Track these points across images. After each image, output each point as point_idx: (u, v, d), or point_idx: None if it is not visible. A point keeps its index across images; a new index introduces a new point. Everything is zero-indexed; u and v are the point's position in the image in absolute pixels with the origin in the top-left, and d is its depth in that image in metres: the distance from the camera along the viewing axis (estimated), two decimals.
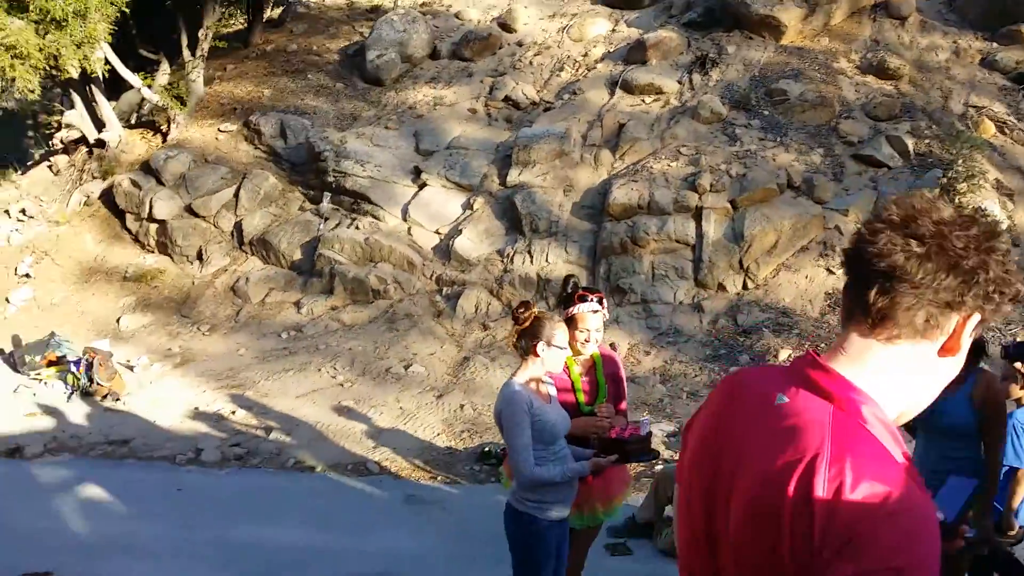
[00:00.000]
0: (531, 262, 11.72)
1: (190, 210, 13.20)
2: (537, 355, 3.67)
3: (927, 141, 12.14)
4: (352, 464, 7.83)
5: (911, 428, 4.45)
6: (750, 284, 10.98)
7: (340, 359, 10.12)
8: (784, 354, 9.69)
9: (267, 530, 6.41)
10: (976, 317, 1.41)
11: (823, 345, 9.80)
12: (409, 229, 12.65)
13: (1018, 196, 11.24)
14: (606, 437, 3.89)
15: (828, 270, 10.81)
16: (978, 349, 4.30)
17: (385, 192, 13.04)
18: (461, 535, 6.47)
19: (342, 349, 10.38)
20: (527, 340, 3.67)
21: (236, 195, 13.34)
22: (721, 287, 11.01)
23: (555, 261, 11.66)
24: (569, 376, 4.11)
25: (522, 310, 3.73)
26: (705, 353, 9.98)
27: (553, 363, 3.74)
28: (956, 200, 11.04)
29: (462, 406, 9.07)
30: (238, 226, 13.06)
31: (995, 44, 13.81)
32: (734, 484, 1.42)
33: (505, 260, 11.84)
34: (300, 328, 11.17)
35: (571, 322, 4.07)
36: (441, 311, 11.36)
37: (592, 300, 4.09)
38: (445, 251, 12.20)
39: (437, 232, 12.61)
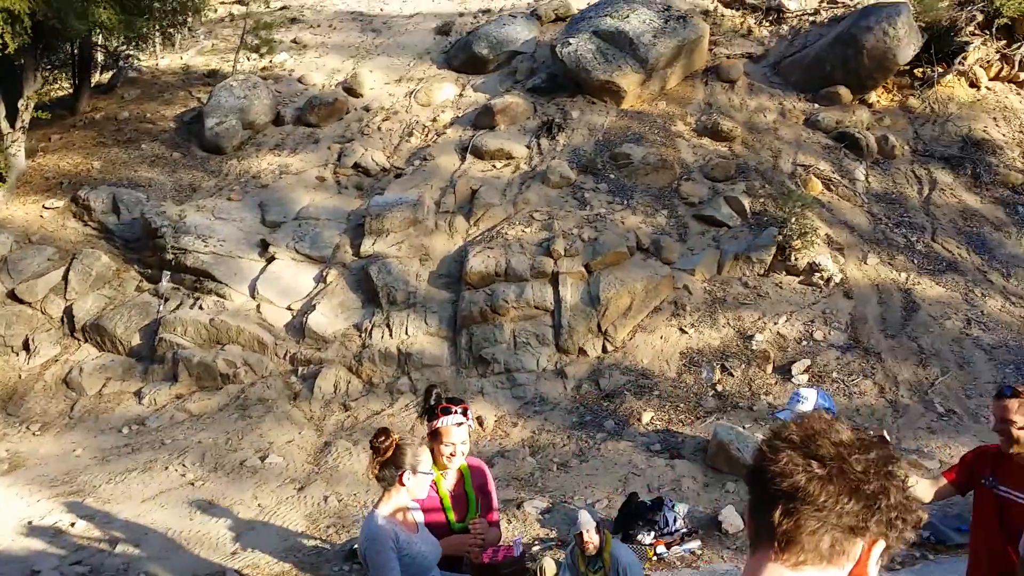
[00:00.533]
0: (390, 335, 11.44)
1: (13, 296, 12.06)
2: (402, 484, 3.48)
3: (762, 200, 12.85)
4: (210, 575, 7.21)
5: None
6: (609, 347, 11.15)
7: (189, 454, 9.40)
8: (647, 416, 9.85)
9: None
10: (881, 544, 1.39)
11: (681, 406, 10.05)
12: (258, 307, 12.09)
13: (847, 249, 12.04)
14: (479, 563, 3.72)
15: (681, 329, 11.14)
16: None
17: (230, 268, 12.43)
18: None
19: (190, 442, 9.67)
20: (390, 470, 3.48)
21: (65, 277, 12.33)
22: (582, 351, 11.12)
23: (415, 333, 11.43)
24: (437, 493, 3.92)
25: (382, 439, 3.54)
26: (572, 420, 9.99)
27: (419, 490, 3.58)
28: (792, 257, 11.73)
29: (326, 498, 8.60)
30: (68, 311, 12.05)
31: (816, 105, 14.91)
32: None
33: (363, 335, 11.50)
34: (143, 421, 10.34)
35: (435, 435, 3.91)
36: (297, 393, 10.85)
37: (456, 412, 3.94)
38: (298, 328, 11.71)
39: (289, 308, 12.11)
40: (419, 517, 3.70)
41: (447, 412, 3.90)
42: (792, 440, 1.41)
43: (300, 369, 11.25)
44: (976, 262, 11.86)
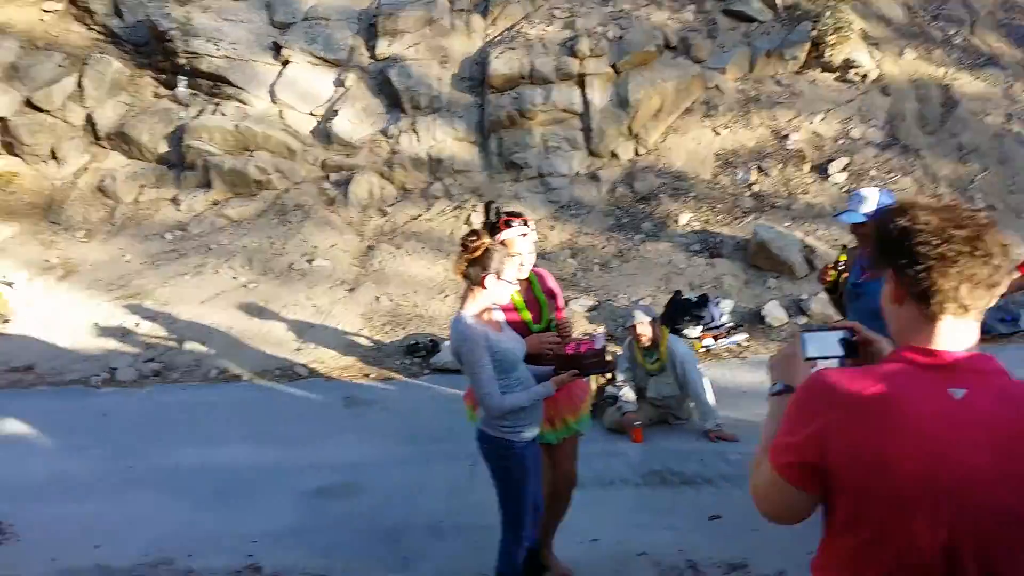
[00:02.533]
0: (418, 141, 11.29)
1: (30, 104, 11.73)
2: (485, 287, 3.56)
3: None
4: (279, 369, 7.54)
5: (843, 309, 4.65)
6: (641, 150, 11.06)
7: (236, 258, 9.55)
8: (684, 217, 9.93)
9: (208, 450, 6.13)
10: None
11: (718, 206, 10.11)
12: (281, 112, 11.82)
13: (883, 44, 11.68)
14: (563, 354, 3.89)
15: (714, 130, 11.01)
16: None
17: (246, 73, 12.04)
18: (410, 435, 6.43)
19: (236, 247, 9.79)
20: (476, 271, 3.54)
21: (79, 84, 11.94)
22: (614, 155, 11.04)
23: (443, 139, 11.28)
24: (512, 301, 4.04)
25: (473, 239, 3.58)
26: (608, 223, 10.09)
27: (501, 296, 3.67)
28: (826, 53, 11.39)
29: (377, 298, 8.84)
30: (89, 119, 11.76)
31: None
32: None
33: (391, 140, 11.35)
34: (184, 227, 10.41)
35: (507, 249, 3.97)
36: (333, 199, 10.86)
37: (518, 223, 3.98)
38: (325, 134, 11.53)
39: (312, 114, 11.85)
40: (500, 316, 3.83)
41: (510, 224, 3.95)
42: (934, 209, 1.62)
43: (332, 175, 11.19)
44: (1017, 56, 11.55)
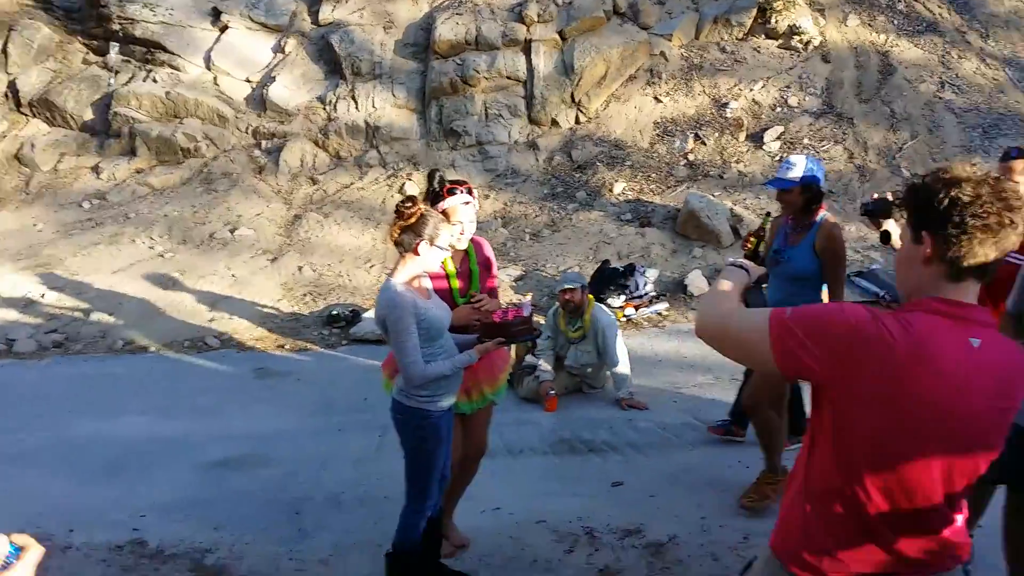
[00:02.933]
0: (356, 108, 11.05)
1: None
2: (418, 253, 3.47)
3: None
4: (190, 340, 7.32)
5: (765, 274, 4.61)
6: (582, 118, 10.91)
7: (156, 227, 9.28)
8: (619, 186, 9.82)
9: (104, 423, 5.91)
10: None
11: (653, 175, 10.01)
12: (215, 79, 11.52)
13: (828, 11, 11.60)
14: (489, 322, 3.80)
15: (656, 98, 10.88)
16: (819, 197, 4.44)
17: (182, 38, 11.70)
18: (324, 406, 6.28)
19: (156, 216, 9.51)
20: (409, 236, 3.46)
21: (4, 50, 11.54)
22: (555, 122, 10.88)
23: (382, 105, 11.05)
24: (443, 269, 3.94)
25: (408, 205, 3.52)
26: (544, 192, 9.95)
27: (432, 263, 3.61)
28: (772, 18, 11.29)
29: (300, 268, 8.63)
30: (12, 86, 11.38)
31: None
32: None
33: (328, 107, 11.10)
34: (103, 196, 10.09)
35: (443, 216, 3.87)
36: (263, 167, 10.60)
37: (462, 191, 3.90)
38: (259, 101, 11.25)
39: (248, 80, 11.57)
40: (428, 284, 3.74)
41: (453, 192, 3.89)
42: (978, 182, 1.77)
43: (264, 143, 10.93)
44: (956, 22, 11.52)
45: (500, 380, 4.27)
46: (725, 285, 2.13)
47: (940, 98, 10.47)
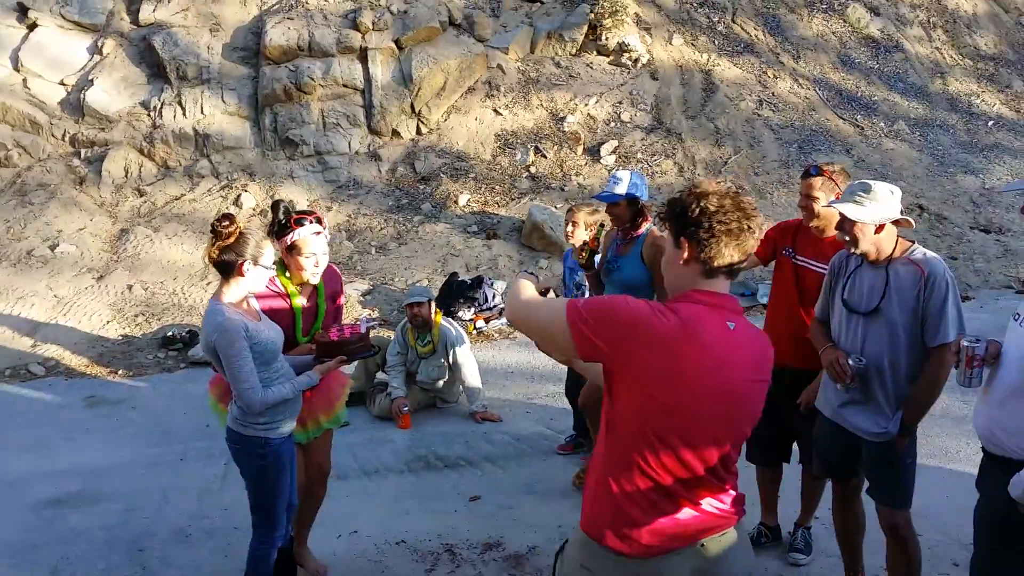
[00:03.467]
0: (184, 115, 10.54)
1: None
2: (243, 274, 3.31)
3: None
4: (11, 368, 6.72)
5: (602, 284, 4.81)
6: (424, 129, 10.92)
7: None
8: (463, 198, 9.90)
9: None
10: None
11: (497, 187, 10.17)
12: (25, 80, 10.65)
13: (655, 29, 12.20)
14: (325, 341, 3.68)
15: (495, 111, 11.05)
16: (642, 211, 4.66)
17: None
18: (163, 435, 5.95)
19: None
20: (231, 257, 3.28)
21: None
22: (396, 133, 10.83)
23: (212, 112, 10.60)
24: (291, 307, 3.78)
25: (226, 223, 3.28)
26: (388, 204, 9.87)
27: (258, 283, 3.41)
28: (603, 36, 11.75)
29: (130, 287, 8.12)
30: None
31: None
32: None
33: (152, 113, 10.52)
34: None
35: (292, 249, 3.68)
36: (83, 178, 9.90)
37: (311, 221, 3.71)
38: (76, 106, 10.50)
39: (62, 83, 10.77)
40: (256, 305, 3.57)
41: (301, 223, 3.65)
42: (722, 195, 2.11)
43: (83, 151, 10.21)
44: (770, 43, 12.43)
45: (337, 408, 4.11)
46: (524, 286, 2.36)
47: (759, 115, 11.26)
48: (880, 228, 3.24)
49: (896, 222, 3.27)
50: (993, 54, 13.11)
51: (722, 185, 2.17)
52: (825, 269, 3.73)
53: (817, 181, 3.88)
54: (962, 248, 9.54)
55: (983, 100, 12.39)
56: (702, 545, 2.15)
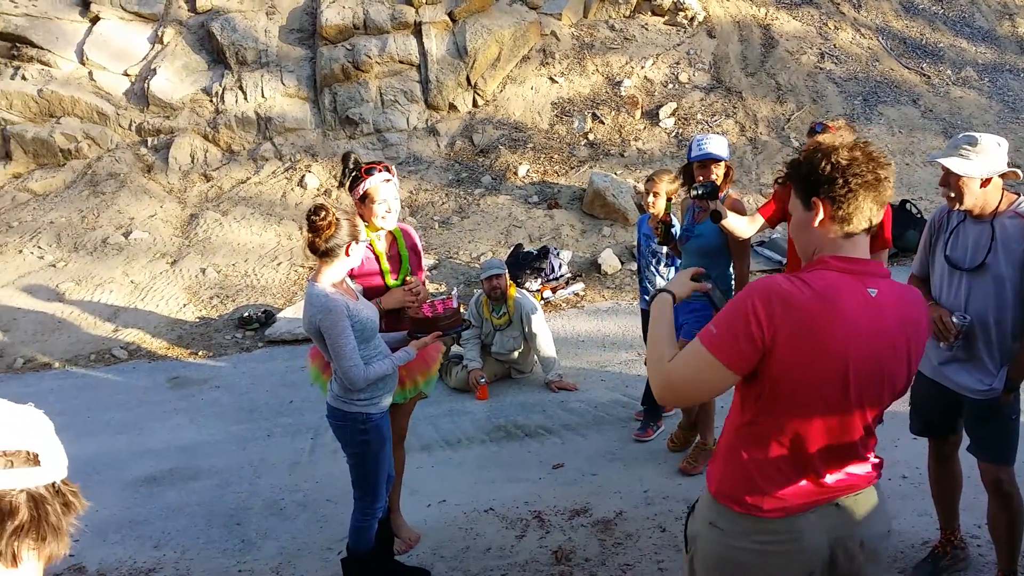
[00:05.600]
0: (245, 99, 10.68)
1: None
2: (348, 255, 3.44)
3: None
4: (95, 353, 6.95)
5: (678, 250, 4.81)
6: (480, 101, 10.89)
7: (43, 235, 8.74)
8: (523, 169, 9.88)
9: None
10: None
11: (555, 156, 10.12)
12: (91, 73, 10.90)
13: None
14: (419, 316, 3.78)
15: (551, 79, 10.96)
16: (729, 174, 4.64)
17: (50, 31, 11.01)
18: (248, 412, 6.11)
19: (41, 223, 8.95)
20: (335, 243, 3.40)
21: None
22: (452, 107, 10.82)
23: (272, 95, 10.73)
24: (374, 253, 3.88)
25: (323, 215, 3.41)
26: (448, 178, 9.90)
27: (358, 259, 3.57)
28: None
29: (203, 270, 8.31)
30: None
31: None
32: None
33: (215, 99, 10.68)
34: None
35: (365, 198, 3.84)
36: (151, 165, 10.12)
37: (381, 170, 3.84)
38: (141, 95, 10.72)
39: (126, 74, 10.99)
40: (354, 286, 3.72)
41: (371, 172, 3.81)
42: (850, 147, 2.03)
43: (150, 140, 10.43)
44: None
45: (432, 371, 4.27)
46: (659, 326, 2.22)
47: (821, 68, 10.97)
48: (987, 182, 3.11)
49: (1004, 175, 3.14)
50: None
51: (839, 137, 2.16)
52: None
53: (826, 138, 3.83)
54: None
55: None
56: (837, 505, 2.12)
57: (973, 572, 3.69)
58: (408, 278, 4.00)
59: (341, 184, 3.86)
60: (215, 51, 10.96)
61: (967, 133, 3.22)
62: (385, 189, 3.83)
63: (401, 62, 10.81)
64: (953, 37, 11.77)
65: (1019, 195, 3.22)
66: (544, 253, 8.14)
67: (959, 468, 3.66)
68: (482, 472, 5.12)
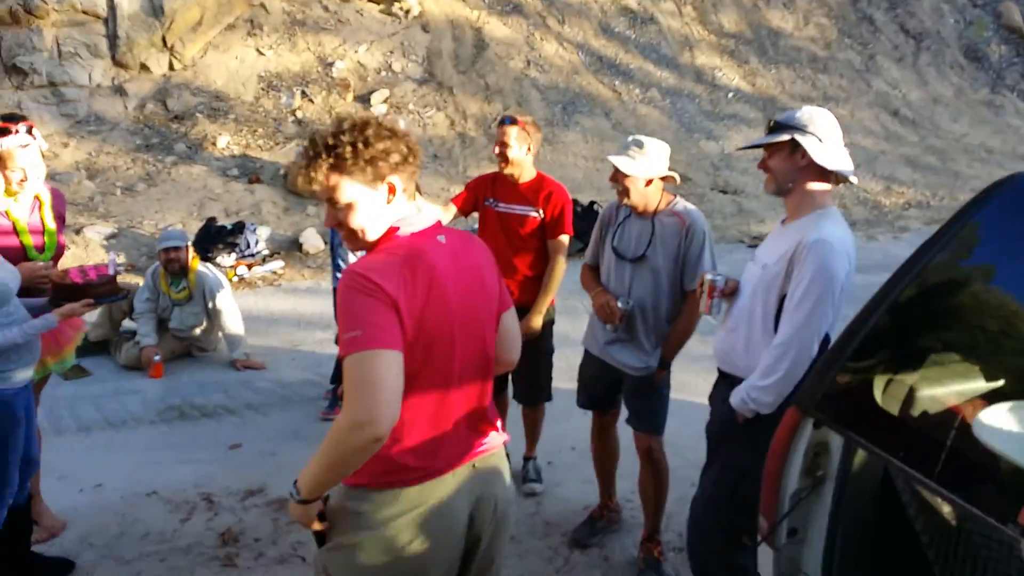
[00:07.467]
0: None
1: None
2: None
3: None
4: None
5: None
6: (177, 64, 10.10)
7: None
8: (223, 140, 9.31)
9: None
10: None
11: (260, 130, 9.67)
12: None
13: None
14: (68, 283, 3.32)
15: (258, 51, 10.46)
16: None
17: None
18: None
19: None
20: None
21: None
22: (144, 67, 9.93)
23: None
24: (8, 219, 3.37)
25: None
26: (136, 143, 9.05)
27: None
28: None
29: None
30: None
31: None
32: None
33: None
34: None
35: None
36: None
37: (18, 131, 3.31)
38: None
39: None
40: None
41: (5, 133, 3.26)
42: (384, 126, 2.02)
43: None
44: (538, 6, 12.71)
45: (66, 352, 3.80)
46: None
47: (527, 75, 11.51)
48: (649, 182, 3.42)
49: (664, 178, 3.45)
50: (734, 32, 14.29)
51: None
52: (526, 211, 4.06)
53: (512, 130, 4.08)
54: (703, 207, 10.32)
55: (724, 74, 13.47)
56: (473, 465, 2.11)
57: (625, 532, 3.98)
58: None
59: None
60: None
61: (636, 137, 3.51)
62: (22, 155, 3.31)
63: (85, 12, 9.72)
64: (643, 60, 12.92)
65: (675, 196, 3.56)
66: (240, 228, 7.71)
67: (617, 439, 3.96)
68: (148, 454, 4.70)
